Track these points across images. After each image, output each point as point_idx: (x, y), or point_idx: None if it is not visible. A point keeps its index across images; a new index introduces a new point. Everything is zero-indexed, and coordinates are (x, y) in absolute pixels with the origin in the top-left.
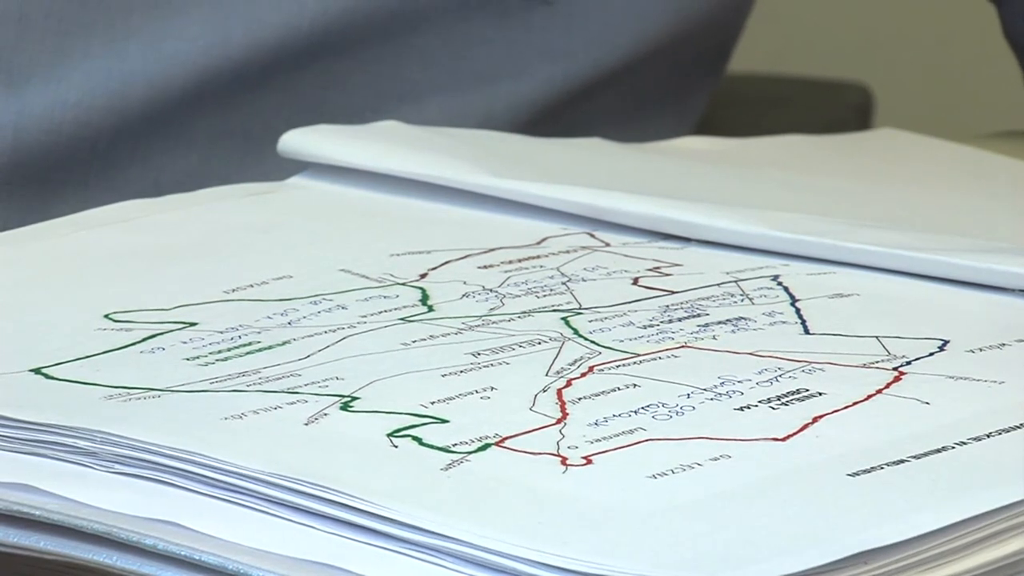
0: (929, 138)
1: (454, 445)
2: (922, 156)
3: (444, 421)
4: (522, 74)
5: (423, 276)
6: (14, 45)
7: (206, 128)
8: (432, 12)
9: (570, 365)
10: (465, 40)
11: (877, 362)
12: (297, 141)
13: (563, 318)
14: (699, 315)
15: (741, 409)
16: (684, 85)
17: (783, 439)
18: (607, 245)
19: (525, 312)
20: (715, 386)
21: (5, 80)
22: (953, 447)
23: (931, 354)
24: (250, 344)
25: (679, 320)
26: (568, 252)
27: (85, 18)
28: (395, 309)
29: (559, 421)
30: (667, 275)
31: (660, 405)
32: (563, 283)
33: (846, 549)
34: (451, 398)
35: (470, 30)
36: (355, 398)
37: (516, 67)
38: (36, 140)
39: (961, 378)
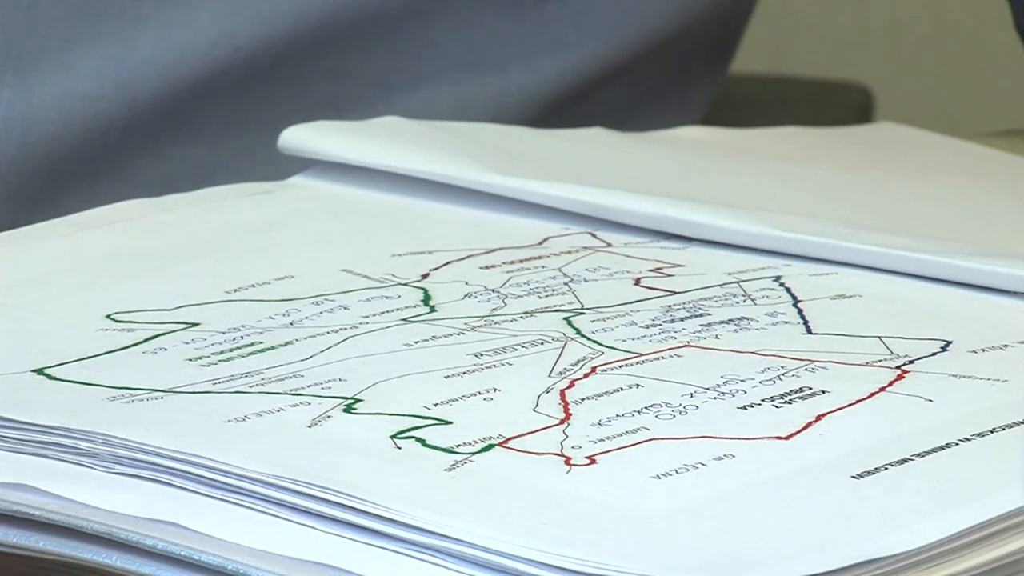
0: (928, 132)
1: (457, 446)
2: (921, 150)
3: (447, 422)
4: (532, 67)
5: (425, 276)
6: (24, 36)
7: (216, 119)
8: (443, 4)
9: (573, 365)
10: (475, 32)
11: (880, 361)
12: (297, 138)
13: (565, 318)
14: (701, 315)
15: (744, 408)
16: (688, 79)
17: (787, 437)
18: (609, 245)
19: (527, 312)
20: (718, 385)
21: (15, 71)
22: (956, 443)
23: (934, 354)
24: (252, 345)
25: (681, 320)
26: (570, 252)
27: (95, 8)
28: (397, 309)
29: (562, 421)
30: (669, 275)
31: (663, 405)
32: (565, 283)
33: (850, 558)
34: (454, 399)
35: (480, 22)
36: (358, 400)
37: (526, 60)
38: (46, 131)
39: (964, 376)
